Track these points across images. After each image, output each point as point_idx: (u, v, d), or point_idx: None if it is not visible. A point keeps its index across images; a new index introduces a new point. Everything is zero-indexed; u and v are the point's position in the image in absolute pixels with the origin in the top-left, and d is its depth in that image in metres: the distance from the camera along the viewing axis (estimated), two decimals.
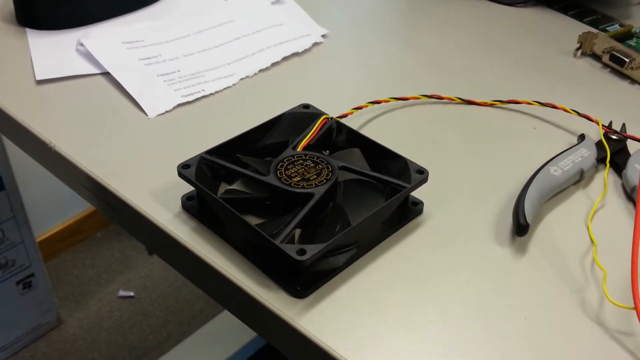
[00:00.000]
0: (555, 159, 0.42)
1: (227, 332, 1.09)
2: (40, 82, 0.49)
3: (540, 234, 0.38)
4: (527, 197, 0.38)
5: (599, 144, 0.44)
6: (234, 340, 1.07)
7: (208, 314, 1.23)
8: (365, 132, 0.43)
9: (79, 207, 1.35)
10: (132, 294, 1.28)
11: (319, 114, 0.41)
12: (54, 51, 0.52)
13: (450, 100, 0.49)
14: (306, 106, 0.42)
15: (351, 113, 0.45)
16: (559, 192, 0.41)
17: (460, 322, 0.33)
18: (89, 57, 0.51)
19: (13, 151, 0.93)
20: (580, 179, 0.42)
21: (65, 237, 1.35)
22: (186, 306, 1.26)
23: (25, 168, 0.94)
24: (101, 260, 1.35)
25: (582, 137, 0.44)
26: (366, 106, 0.46)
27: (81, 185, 0.42)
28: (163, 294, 1.28)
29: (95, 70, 0.50)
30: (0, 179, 0.94)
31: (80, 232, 1.38)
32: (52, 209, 1.29)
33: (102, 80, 0.50)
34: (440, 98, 0.49)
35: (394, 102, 0.48)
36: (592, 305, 0.34)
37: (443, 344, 0.32)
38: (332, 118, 0.41)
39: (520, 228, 0.37)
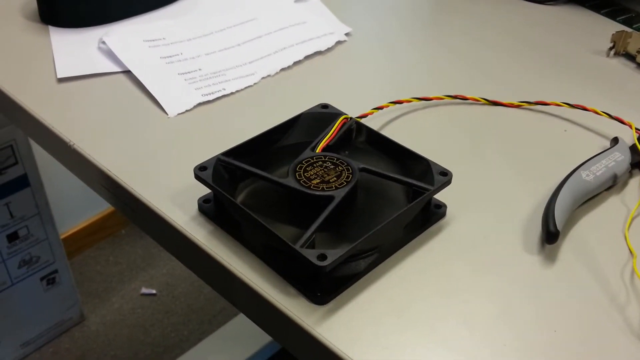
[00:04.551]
0: (587, 163, 0.40)
1: (248, 332, 1.09)
2: (62, 80, 0.49)
3: (571, 242, 0.37)
4: (557, 202, 0.36)
5: (633, 148, 0.42)
6: (254, 340, 1.06)
7: (229, 312, 1.23)
8: (386, 132, 0.42)
9: (104, 204, 1.36)
10: (154, 291, 1.28)
11: (338, 113, 0.40)
12: (76, 49, 0.52)
13: (475, 101, 0.48)
14: (325, 106, 0.41)
15: (371, 113, 0.44)
16: (591, 198, 0.39)
17: (485, 333, 0.31)
18: (111, 55, 0.51)
19: (38, 148, 0.94)
20: (613, 184, 0.40)
21: (90, 234, 1.36)
22: (208, 305, 1.26)
23: (50, 165, 0.94)
24: (124, 258, 1.36)
25: (615, 141, 0.43)
26: (387, 106, 0.45)
27: (99, 184, 0.42)
28: (185, 292, 1.29)
29: (117, 69, 0.50)
30: (25, 176, 0.95)
31: (104, 229, 1.39)
32: (76, 205, 1.30)
33: (123, 78, 0.49)
34: (465, 98, 0.47)
35: (416, 102, 0.47)
36: (636, 320, 0.32)
37: (467, 355, 0.30)
38: (351, 118, 0.40)
39: (550, 235, 0.35)
